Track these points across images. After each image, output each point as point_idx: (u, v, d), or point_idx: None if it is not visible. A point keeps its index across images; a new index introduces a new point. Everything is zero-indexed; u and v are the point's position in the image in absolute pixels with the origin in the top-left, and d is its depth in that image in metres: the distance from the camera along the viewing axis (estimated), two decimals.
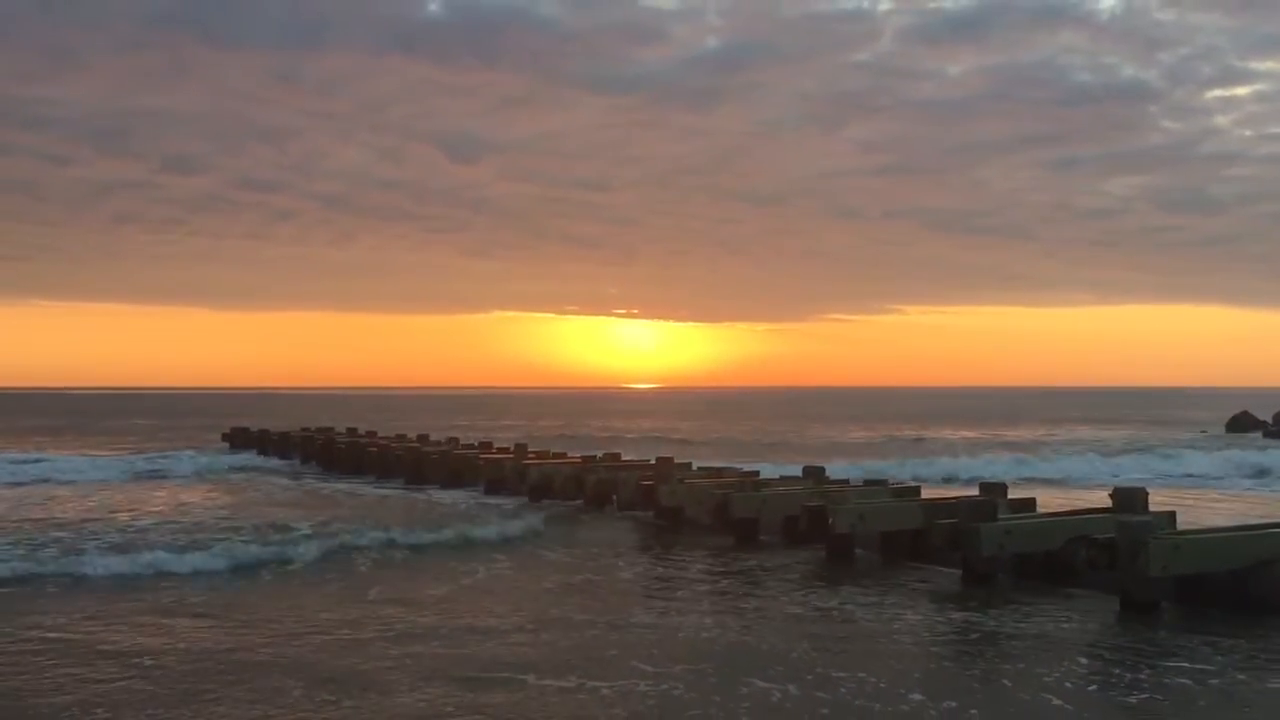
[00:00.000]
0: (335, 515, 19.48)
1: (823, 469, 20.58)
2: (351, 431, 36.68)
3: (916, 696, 8.41)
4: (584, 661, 9.38)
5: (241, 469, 31.45)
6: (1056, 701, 8.33)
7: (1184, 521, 14.54)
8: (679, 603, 12.30)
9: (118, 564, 14.04)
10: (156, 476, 28.87)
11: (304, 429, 39.32)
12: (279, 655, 9.66)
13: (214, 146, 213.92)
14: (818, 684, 8.73)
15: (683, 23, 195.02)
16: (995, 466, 29.36)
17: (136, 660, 9.51)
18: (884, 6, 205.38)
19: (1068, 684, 8.87)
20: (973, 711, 8.04)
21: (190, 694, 8.40)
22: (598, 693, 8.44)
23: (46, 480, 27.72)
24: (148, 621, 11.12)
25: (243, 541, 15.78)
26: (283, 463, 33.62)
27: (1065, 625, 11.09)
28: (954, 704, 8.21)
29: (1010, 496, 16.01)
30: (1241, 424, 55.31)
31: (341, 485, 26.24)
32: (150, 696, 8.36)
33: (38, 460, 32.40)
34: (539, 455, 26.37)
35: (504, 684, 8.68)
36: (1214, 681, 8.88)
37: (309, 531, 16.81)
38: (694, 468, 23.07)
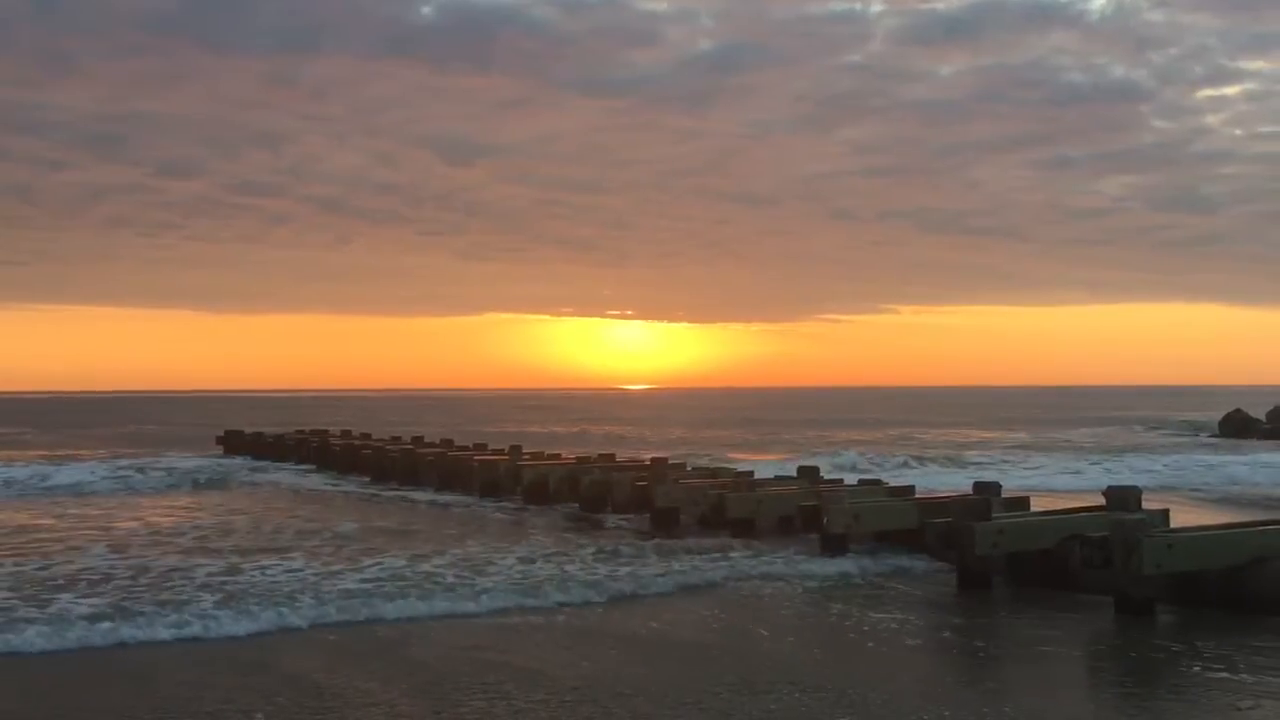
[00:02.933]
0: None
1: (817, 469, 20.60)
2: (346, 434, 36.64)
3: (902, 691, 8.42)
4: None
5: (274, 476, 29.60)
6: (1049, 700, 8.33)
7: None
8: None
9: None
10: (197, 487, 27.17)
11: (299, 431, 39.26)
12: None
13: (209, 151, 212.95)
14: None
15: (676, 25, 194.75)
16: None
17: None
18: (875, 8, 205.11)
19: (1059, 682, 8.88)
20: (962, 710, 8.05)
21: None
22: None
23: (121, 490, 26.32)
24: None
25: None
26: (297, 466, 32.71)
27: (1058, 623, 11.10)
28: (943, 707, 8.22)
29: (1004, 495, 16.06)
30: (1235, 422, 55.32)
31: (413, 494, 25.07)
32: None
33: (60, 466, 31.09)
34: (534, 456, 26.34)
35: None
36: (1210, 680, 8.89)
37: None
38: (689, 468, 23.08)
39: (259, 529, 18.46)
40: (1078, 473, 29.98)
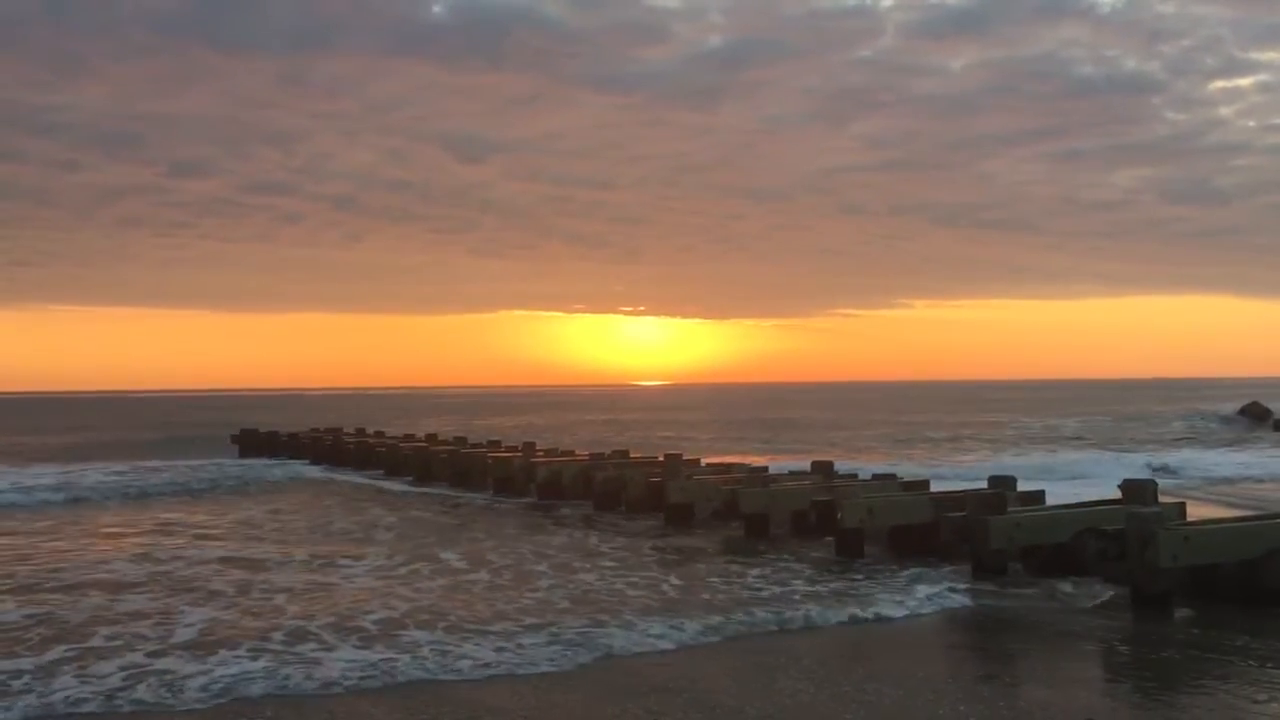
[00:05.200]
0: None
1: (831, 464, 20.56)
2: (360, 431, 36.77)
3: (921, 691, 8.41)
4: None
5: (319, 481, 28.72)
6: (1064, 694, 8.31)
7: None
8: None
9: None
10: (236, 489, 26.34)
11: (313, 430, 39.40)
12: None
13: (222, 150, 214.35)
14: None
15: (686, 21, 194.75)
16: None
17: None
18: (886, 2, 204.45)
19: (1075, 676, 8.85)
20: (978, 705, 8.04)
21: None
22: None
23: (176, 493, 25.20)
24: None
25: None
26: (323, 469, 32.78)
27: (1075, 618, 11.06)
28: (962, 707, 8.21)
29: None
30: (1252, 414, 55.01)
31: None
32: None
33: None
34: (547, 453, 26.39)
35: None
36: (1226, 673, 8.86)
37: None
38: (702, 464, 23.08)
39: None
40: (1086, 473, 29.93)
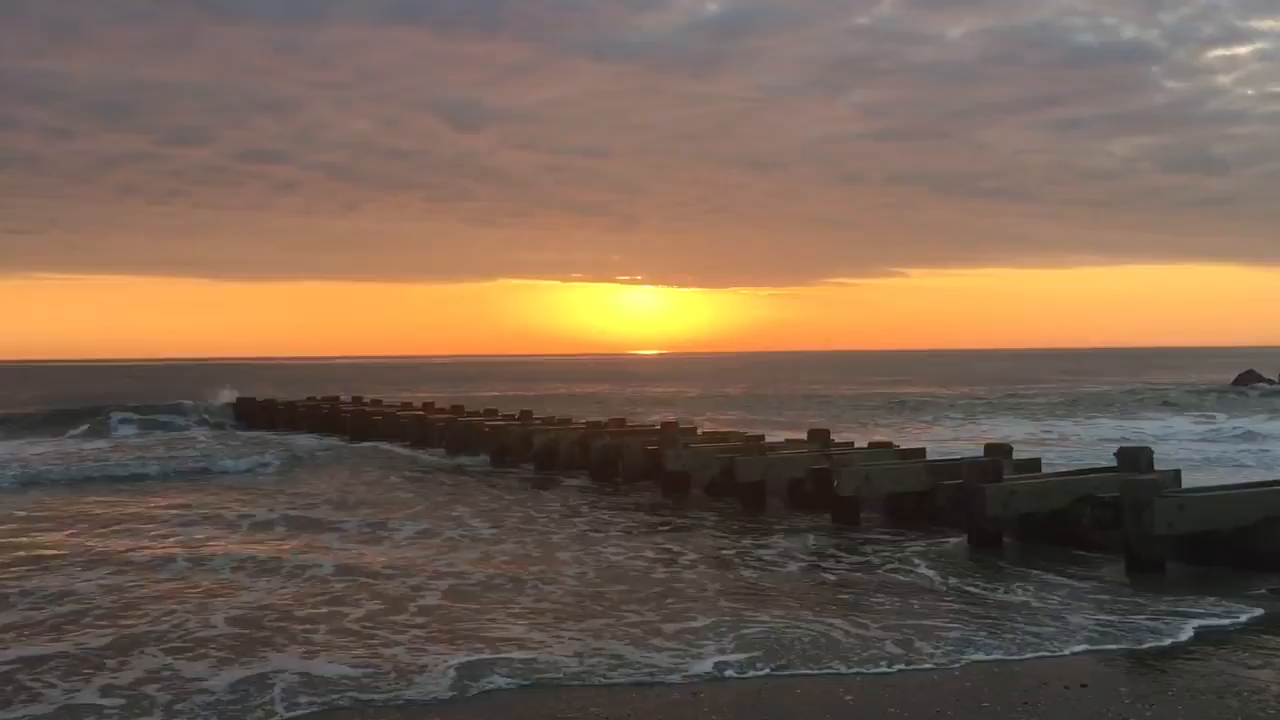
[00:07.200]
0: None
1: (827, 431, 20.58)
2: (357, 400, 36.78)
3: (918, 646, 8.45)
4: None
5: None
6: (1060, 659, 8.36)
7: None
8: None
9: None
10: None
11: (310, 399, 39.40)
12: None
13: (217, 118, 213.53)
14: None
15: None
16: None
17: None
18: None
19: (1069, 641, 8.90)
20: (974, 671, 8.09)
21: None
22: None
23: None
24: None
25: None
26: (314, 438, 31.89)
27: (1070, 586, 11.10)
28: (957, 669, 8.26)
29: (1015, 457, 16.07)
30: (1247, 383, 55.15)
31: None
32: None
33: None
34: (544, 422, 26.40)
35: None
36: (1220, 639, 8.93)
37: None
38: (699, 433, 23.10)
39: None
40: (1089, 439, 30.00)
